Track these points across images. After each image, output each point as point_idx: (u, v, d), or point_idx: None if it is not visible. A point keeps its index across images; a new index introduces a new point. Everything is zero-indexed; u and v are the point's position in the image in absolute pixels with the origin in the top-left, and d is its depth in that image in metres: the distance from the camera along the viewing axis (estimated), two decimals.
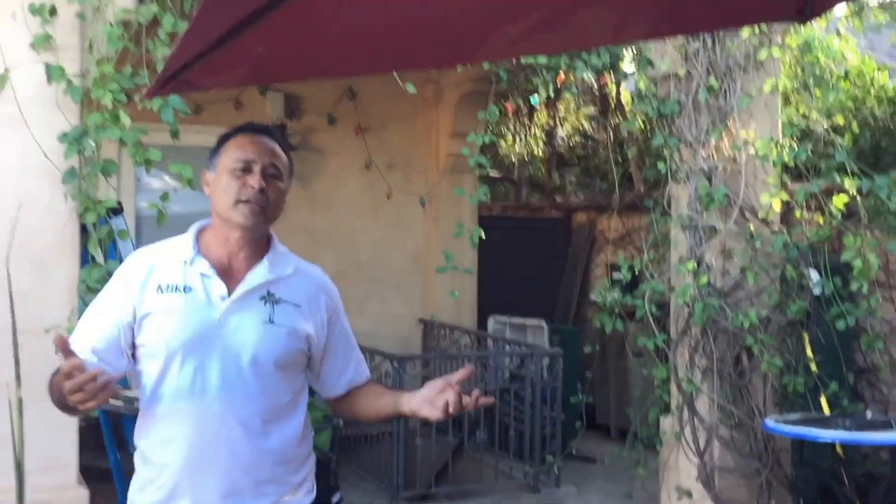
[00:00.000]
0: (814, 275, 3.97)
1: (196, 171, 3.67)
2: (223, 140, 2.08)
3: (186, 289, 1.98)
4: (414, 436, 5.38)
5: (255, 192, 1.99)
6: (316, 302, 2.09)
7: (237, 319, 1.99)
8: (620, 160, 12.00)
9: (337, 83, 7.04)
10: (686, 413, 4.06)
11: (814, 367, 3.96)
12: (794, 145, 4.06)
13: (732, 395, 4.02)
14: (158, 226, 4.04)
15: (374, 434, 5.98)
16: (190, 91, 2.36)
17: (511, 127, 12.94)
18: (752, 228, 4.07)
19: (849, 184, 3.88)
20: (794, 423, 3.81)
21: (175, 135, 3.96)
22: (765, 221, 4.21)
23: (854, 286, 3.82)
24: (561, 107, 12.42)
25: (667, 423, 4.35)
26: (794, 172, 4.27)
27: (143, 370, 2.00)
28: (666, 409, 4.34)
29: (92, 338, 1.98)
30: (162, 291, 1.98)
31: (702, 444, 4.00)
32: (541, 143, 13.05)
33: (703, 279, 3.88)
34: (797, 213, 4.19)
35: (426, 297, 7.50)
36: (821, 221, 4.03)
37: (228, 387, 1.96)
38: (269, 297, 2.01)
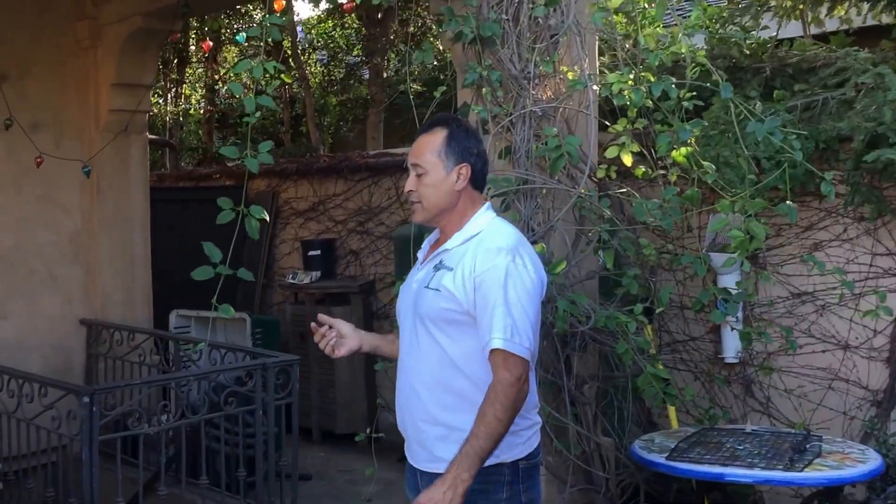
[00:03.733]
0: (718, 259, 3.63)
1: None
2: None
3: (416, 259, 2.62)
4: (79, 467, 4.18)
5: (406, 193, 2.55)
6: (466, 263, 2.40)
7: (416, 287, 2.50)
8: (293, 117, 11.34)
9: None
10: None
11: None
12: (651, 78, 3.63)
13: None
14: None
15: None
16: None
17: (163, 81, 11.63)
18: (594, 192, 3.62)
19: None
20: (681, 454, 3.56)
21: None
22: (601, 182, 3.79)
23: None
24: (227, 57, 11.38)
25: None
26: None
27: None
28: None
29: None
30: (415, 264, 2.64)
31: None
32: (200, 101, 11.92)
33: (559, 268, 3.35)
34: (641, 171, 3.81)
35: (89, 292, 6.29)
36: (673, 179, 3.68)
37: (411, 340, 2.51)
38: (438, 265, 2.46)
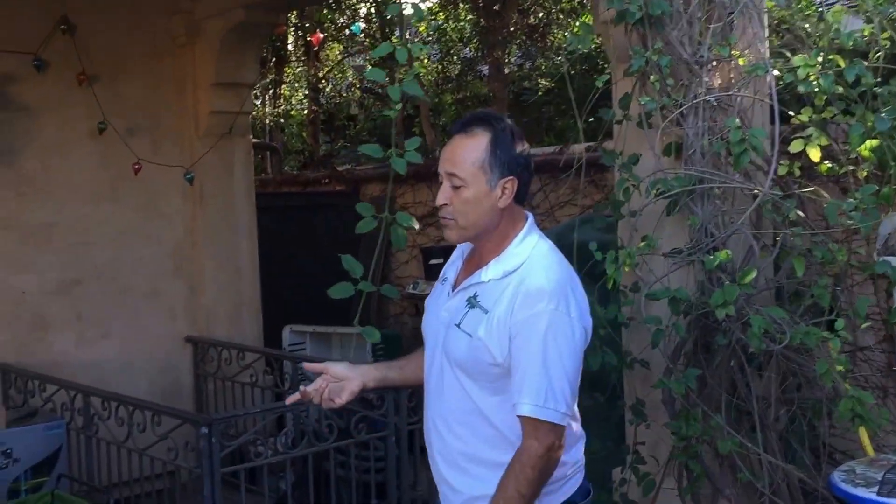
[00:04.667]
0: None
1: None
2: None
3: (444, 280, 2.25)
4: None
5: (438, 207, 2.14)
6: (504, 307, 2.05)
7: (447, 317, 2.15)
8: (405, 118, 10.84)
9: (43, 7, 5.16)
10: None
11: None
12: (841, 62, 3.00)
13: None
14: None
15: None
16: None
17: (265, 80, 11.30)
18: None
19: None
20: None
21: None
22: (782, 180, 3.15)
23: None
24: (329, 54, 10.93)
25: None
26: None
27: None
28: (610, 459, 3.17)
29: None
30: (439, 281, 2.29)
31: None
32: (302, 101, 11.51)
33: (748, 277, 2.70)
34: (827, 167, 3.20)
35: (193, 307, 5.85)
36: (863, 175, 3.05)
37: (436, 375, 2.18)
38: (471, 301, 2.10)
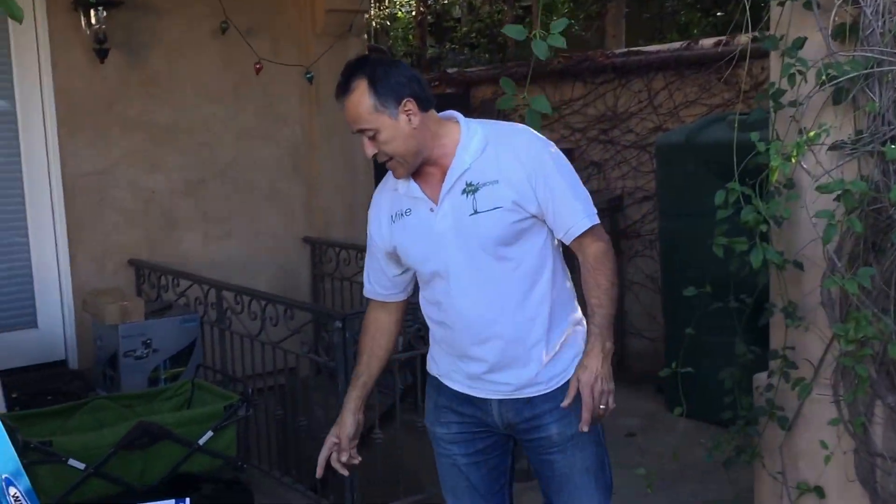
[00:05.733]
0: None
1: None
2: None
3: (407, 212, 2.34)
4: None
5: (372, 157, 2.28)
6: (511, 168, 2.25)
7: (450, 222, 2.29)
8: (515, 18, 10.61)
9: None
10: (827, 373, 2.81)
11: None
12: None
13: None
14: None
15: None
16: None
17: None
18: None
19: None
20: None
21: None
22: None
23: None
24: None
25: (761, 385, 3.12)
26: None
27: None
28: (752, 364, 3.11)
29: (373, 273, 2.51)
30: (394, 221, 2.37)
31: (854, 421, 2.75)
32: (408, 3, 11.41)
33: None
34: None
35: (311, 208, 5.94)
36: None
37: (470, 276, 2.29)
38: (468, 188, 2.27)
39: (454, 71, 8.34)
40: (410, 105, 2.23)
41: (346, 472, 2.44)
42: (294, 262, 5.88)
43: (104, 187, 5.17)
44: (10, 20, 4.80)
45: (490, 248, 2.25)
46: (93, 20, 4.87)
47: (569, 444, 2.35)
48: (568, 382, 2.26)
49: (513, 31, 2.43)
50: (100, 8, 4.86)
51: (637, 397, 5.41)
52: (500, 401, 2.36)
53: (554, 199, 2.26)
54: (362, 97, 2.20)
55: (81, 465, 3.12)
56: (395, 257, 2.40)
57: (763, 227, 2.54)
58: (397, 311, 2.52)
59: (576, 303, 2.41)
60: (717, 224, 2.77)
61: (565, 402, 2.22)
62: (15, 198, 4.95)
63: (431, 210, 2.29)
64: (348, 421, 2.42)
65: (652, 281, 6.20)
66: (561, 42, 2.33)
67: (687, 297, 3.04)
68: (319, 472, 2.43)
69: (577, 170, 6.97)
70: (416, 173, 2.31)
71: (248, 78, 5.46)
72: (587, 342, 2.28)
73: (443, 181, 2.28)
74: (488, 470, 2.46)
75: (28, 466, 3.10)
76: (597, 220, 2.31)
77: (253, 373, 4.20)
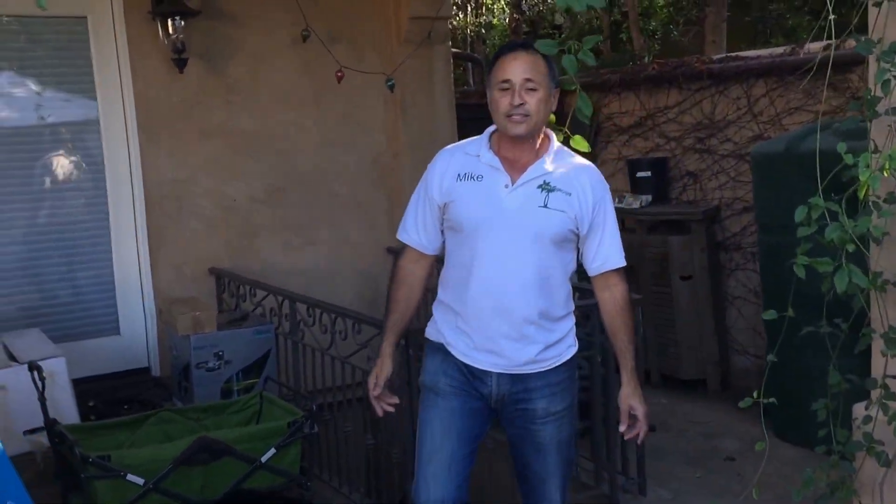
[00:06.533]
0: None
1: None
2: (493, 60, 2.69)
3: (479, 177, 2.66)
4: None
5: (515, 107, 2.58)
6: (583, 191, 2.66)
7: (520, 203, 2.63)
8: (612, 24, 10.38)
9: None
10: None
11: None
12: None
13: None
14: None
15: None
16: None
17: None
18: None
19: None
20: None
21: None
22: None
23: None
24: None
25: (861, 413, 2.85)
26: None
27: (448, 240, 2.76)
28: (851, 393, 2.85)
29: (420, 226, 2.79)
30: (460, 179, 2.67)
31: None
32: (504, 10, 11.27)
33: None
34: None
35: (393, 218, 5.84)
36: None
37: (513, 253, 2.63)
38: (545, 186, 2.64)
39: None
40: (556, 95, 2.66)
41: (380, 412, 2.83)
42: (376, 272, 5.79)
43: (184, 195, 5.20)
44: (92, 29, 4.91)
45: (542, 238, 2.61)
46: (170, 30, 4.90)
47: (550, 418, 2.72)
48: (561, 365, 2.72)
49: (543, 45, 2.51)
50: (177, 17, 4.89)
51: (739, 418, 5.15)
52: (499, 374, 2.69)
53: (604, 231, 2.69)
54: (540, 60, 2.58)
55: (140, 481, 3.08)
56: (440, 212, 2.71)
57: (850, 247, 2.31)
58: (427, 267, 2.82)
59: (573, 303, 2.79)
60: (801, 242, 2.55)
61: (622, 428, 2.70)
62: (99, 206, 5.03)
63: (506, 186, 2.63)
64: (387, 363, 2.81)
65: (755, 295, 5.90)
66: (591, 58, 2.45)
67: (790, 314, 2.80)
68: (379, 411, 2.83)
69: (673, 180, 6.80)
70: (500, 151, 2.67)
71: (330, 86, 5.41)
72: (627, 375, 2.72)
73: (520, 171, 2.63)
74: (472, 426, 2.73)
75: (87, 480, 3.11)
76: (624, 263, 2.74)
77: (323, 386, 4.13)
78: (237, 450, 3.27)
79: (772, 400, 2.72)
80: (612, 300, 2.71)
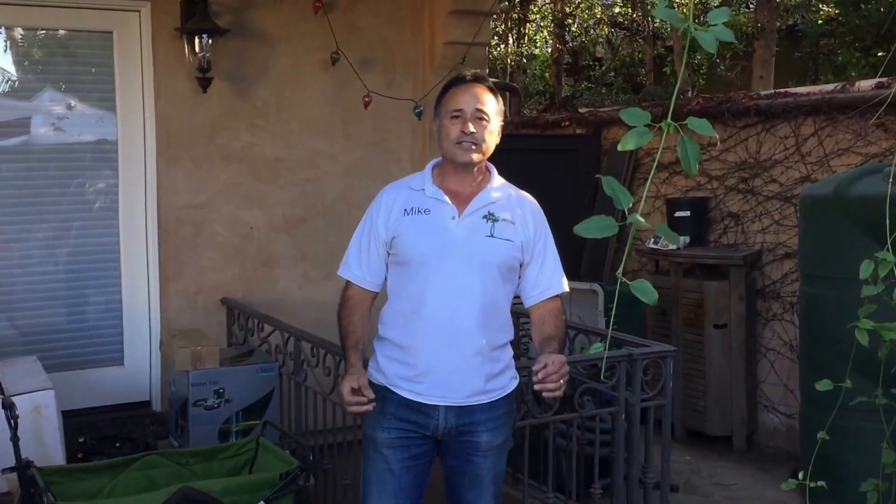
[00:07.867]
0: None
1: None
2: (444, 91, 2.81)
3: (426, 211, 2.73)
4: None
5: (465, 134, 2.69)
6: (524, 221, 2.77)
7: (467, 234, 2.70)
8: (655, 57, 10.06)
9: None
10: None
11: None
12: None
13: None
14: None
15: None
16: None
17: (501, 21, 10.85)
18: None
19: None
20: None
21: None
22: None
23: None
24: None
25: None
26: None
27: (392, 274, 2.79)
28: None
29: (364, 262, 2.82)
30: (407, 214, 2.73)
31: None
32: (546, 40, 10.98)
33: None
34: None
35: None
36: None
37: (463, 284, 2.68)
38: (490, 217, 2.72)
39: (586, 111, 7.85)
40: (500, 130, 2.80)
41: (362, 410, 2.65)
42: None
43: (201, 221, 4.95)
44: (115, 44, 4.72)
45: (489, 267, 2.69)
46: (196, 48, 4.68)
47: (491, 451, 2.75)
48: (504, 398, 2.76)
49: (629, 116, 1.77)
50: (204, 35, 4.67)
51: (766, 482, 4.80)
52: (446, 407, 2.69)
53: (545, 260, 2.78)
54: (491, 94, 2.75)
55: None
56: (386, 247, 2.75)
57: None
58: (370, 301, 2.83)
59: (512, 331, 2.84)
60: (865, 303, 2.21)
61: (536, 367, 2.51)
62: (111, 228, 4.80)
63: (453, 218, 2.70)
64: (363, 372, 2.68)
65: (790, 349, 5.51)
66: (728, 34, 1.74)
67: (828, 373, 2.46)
68: (359, 409, 2.65)
69: (713, 221, 6.45)
70: (444, 184, 2.74)
71: (358, 112, 5.17)
72: (550, 351, 2.63)
73: (465, 202, 2.71)
74: (416, 474, 2.74)
75: None
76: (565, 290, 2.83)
77: (324, 427, 3.83)
78: (222, 502, 2.98)
79: (821, 484, 2.37)
80: (548, 312, 2.76)
